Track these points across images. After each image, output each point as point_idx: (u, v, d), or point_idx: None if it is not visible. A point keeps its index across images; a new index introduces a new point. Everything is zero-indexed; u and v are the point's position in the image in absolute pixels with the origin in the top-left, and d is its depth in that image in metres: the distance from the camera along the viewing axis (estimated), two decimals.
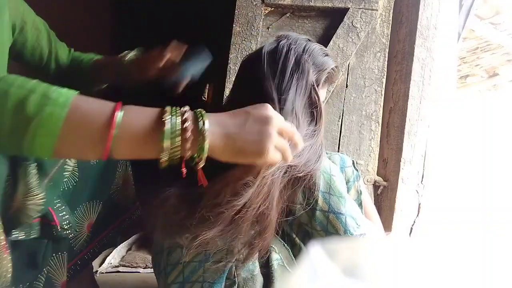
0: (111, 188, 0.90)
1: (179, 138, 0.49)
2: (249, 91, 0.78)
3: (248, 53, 1.49)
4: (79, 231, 0.85)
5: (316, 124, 0.77)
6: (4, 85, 0.47)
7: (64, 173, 0.74)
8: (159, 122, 0.49)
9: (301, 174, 0.70)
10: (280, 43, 0.79)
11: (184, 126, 0.50)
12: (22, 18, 0.90)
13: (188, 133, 0.50)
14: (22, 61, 0.98)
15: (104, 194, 0.89)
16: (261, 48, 0.81)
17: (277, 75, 0.75)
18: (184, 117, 0.50)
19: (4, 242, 0.60)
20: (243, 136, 0.53)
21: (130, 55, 1.05)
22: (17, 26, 0.90)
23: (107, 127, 0.48)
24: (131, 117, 0.49)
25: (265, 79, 0.75)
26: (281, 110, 0.71)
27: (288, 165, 0.68)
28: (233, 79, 1.48)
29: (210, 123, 0.52)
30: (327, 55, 0.82)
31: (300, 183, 0.72)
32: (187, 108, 0.53)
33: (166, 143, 0.49)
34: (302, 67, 0.76)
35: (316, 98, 0.77)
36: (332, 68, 0.82)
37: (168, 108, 0.51)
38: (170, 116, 0.50)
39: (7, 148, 0.50)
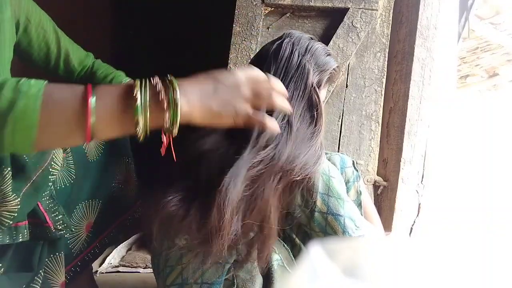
0: (111, 186, 0.90)
1: (150, 110, 0.50)
2: None
3: (248, 53, 1.49)
4: (76, 231, 0.84)
5: (315, 125, 0.76)
6: None
7: (50, 177, 0.72)
8: (131, 97, 0.49)
9: (298, 178, 0.69)
10: (283, 43, 0.79)
11: (160, 98, 0.50)
12: (26, 16, 0.87)
13: (164, 104, 0.50)
14: (30, 61, 0.95)
15: (104, 192, 0.88)
16: (266, 47, 0.81)
17: (279, 76, 0.75)
18: (157, 89, 0.51)
19: None
20: (218, 102, 0.54)
21: None
22: (21, 24, 0.86)
23: (83, 113, 0.48)
24: (104, 100, 0.49)
25: None
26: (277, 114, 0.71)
27: (284, 169, 0.67)
28: None
29: (184, 92, 0.52)
30: (329, 54, 0.82)
31: (299, 186, 0.72)
32: (156, 79, 0.52)
33: (138, 118, 0.49)
34: (303, 68, 0.76)
35: (317, 100, 0.77)
36: (334, 68, 0.82)
37: (137, 82, 0.51)
38: (139, 90, 0.50)
39: None
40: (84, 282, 0.97)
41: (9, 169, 0.62)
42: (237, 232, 0.65)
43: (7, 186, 0.62)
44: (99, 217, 0.88)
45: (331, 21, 1.51)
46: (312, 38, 0.83)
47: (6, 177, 0.62)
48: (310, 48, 0.79)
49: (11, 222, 0.65)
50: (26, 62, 0.95)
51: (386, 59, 1.48)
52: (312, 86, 0.76)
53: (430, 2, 1.47)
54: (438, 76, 1.48)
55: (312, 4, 1.48)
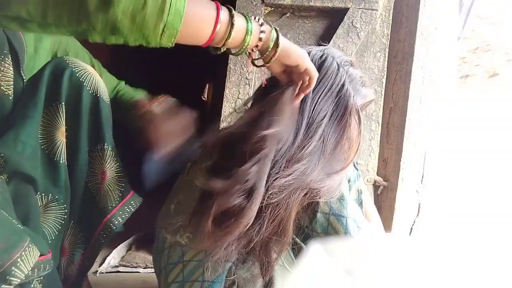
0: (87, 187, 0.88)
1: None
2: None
3: None
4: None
5: (348, 158, 0.73)
6: None
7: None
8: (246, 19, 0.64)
9: (320, 200, 0.69)
10: (329, 57, 0.76)
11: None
12: (65, 48, 0.93)
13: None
14: None
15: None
16: (308, 52, 0.76)
17: (323, 89, 0.73)
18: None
19: None
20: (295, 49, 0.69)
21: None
22: (59, 55, 0.92)
23: (213, 22, 0.59)
24: (226, 19, 0.61)
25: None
26: (309, 127, 0.69)
27: (311, 187, 0.67)
28: (233, 79, 1.48)
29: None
30: (365, 85, 0.80)
31: (317, 208, 0.72)
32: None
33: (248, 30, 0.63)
34: (346, 89, 0.74)
35: (357, 124, 0.74)
36: (369, 101, 0.81)
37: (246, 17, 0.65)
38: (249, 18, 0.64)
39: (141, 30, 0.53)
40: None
41: None
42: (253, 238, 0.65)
43: None
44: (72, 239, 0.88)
45: (331, 21, 1.51)
46: (352, 63, 0.80)
47: None
48: (352, 74, 0.77)
49: None
50: None
51: (386, 59, 1.48)
52: (355, 107, 0.74)
53: (430, 2, 1.47)
54: (438, 76, 1.48)
55: (312, 4, 1.48)
